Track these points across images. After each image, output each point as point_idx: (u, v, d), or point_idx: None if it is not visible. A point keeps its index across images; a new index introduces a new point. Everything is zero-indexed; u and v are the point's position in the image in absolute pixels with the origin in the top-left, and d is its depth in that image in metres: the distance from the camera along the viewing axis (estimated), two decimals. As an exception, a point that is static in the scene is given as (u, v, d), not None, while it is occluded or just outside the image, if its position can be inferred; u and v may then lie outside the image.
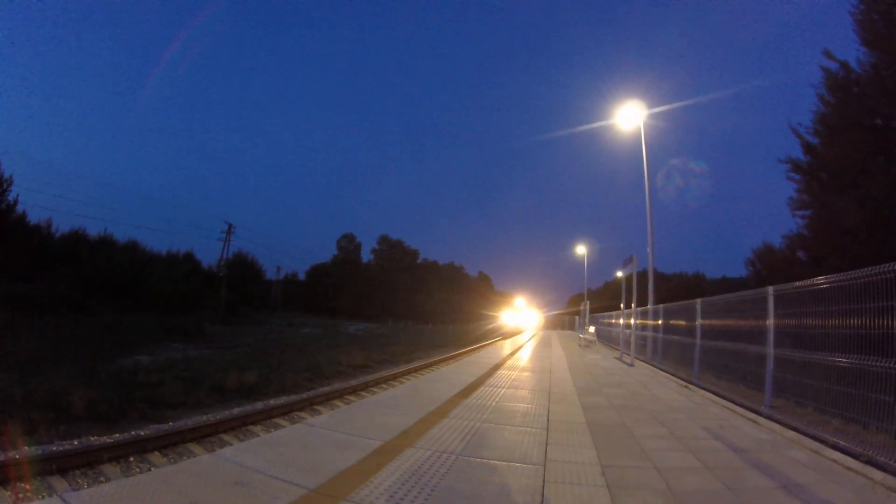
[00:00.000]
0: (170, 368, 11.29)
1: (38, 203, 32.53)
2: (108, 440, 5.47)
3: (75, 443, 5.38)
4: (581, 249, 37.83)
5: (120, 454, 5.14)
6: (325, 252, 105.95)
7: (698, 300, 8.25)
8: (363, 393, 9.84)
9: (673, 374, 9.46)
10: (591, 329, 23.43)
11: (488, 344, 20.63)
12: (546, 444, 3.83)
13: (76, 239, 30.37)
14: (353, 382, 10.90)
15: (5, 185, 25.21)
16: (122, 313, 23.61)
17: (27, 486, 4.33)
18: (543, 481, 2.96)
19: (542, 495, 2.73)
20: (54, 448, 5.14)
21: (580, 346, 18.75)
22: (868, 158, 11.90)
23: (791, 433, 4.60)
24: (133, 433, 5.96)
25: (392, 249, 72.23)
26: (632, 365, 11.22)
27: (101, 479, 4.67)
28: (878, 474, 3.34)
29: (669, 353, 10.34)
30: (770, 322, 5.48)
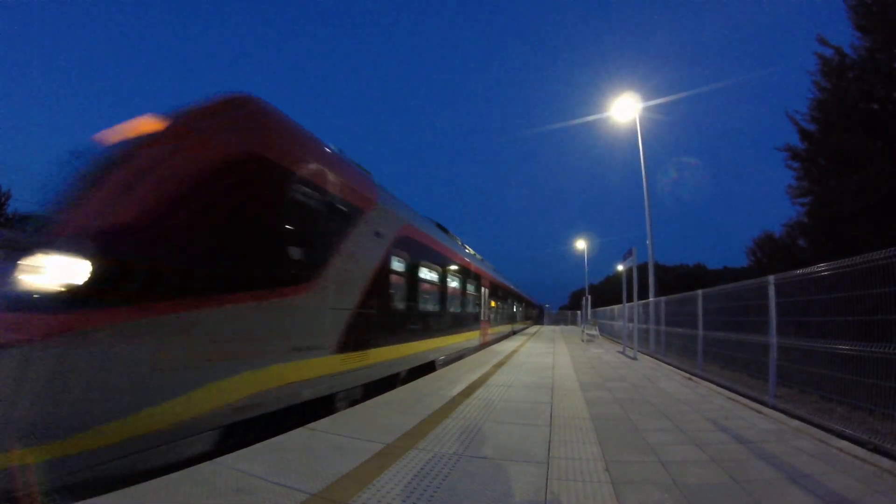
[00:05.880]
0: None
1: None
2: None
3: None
4: (581, 244, 37.68)
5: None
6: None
7: (699, 291, 8.22)
8: (366, 395, 9.80)
9: (676, 367, 9.43)
10: (594, 323, 23.44)
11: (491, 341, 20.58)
12: (549, 441, 3.80)
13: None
14: (357, 385, 10.85)
15: (3, 199, 25.17)
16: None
17: None
18: (547, 479, 2.93)
19: (546, 493, 2.70)
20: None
21: (583, 340, 18.72)
22: (866, 142, 11.87)
23: (796, 422, 4.58)
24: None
25: (392, 250, 72.02)
26: (635, 358, 11.19)
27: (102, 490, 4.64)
28: (885, 462, 3.31)
29: (672, 345, 10.31)
30: (772, 311, 5.45)
